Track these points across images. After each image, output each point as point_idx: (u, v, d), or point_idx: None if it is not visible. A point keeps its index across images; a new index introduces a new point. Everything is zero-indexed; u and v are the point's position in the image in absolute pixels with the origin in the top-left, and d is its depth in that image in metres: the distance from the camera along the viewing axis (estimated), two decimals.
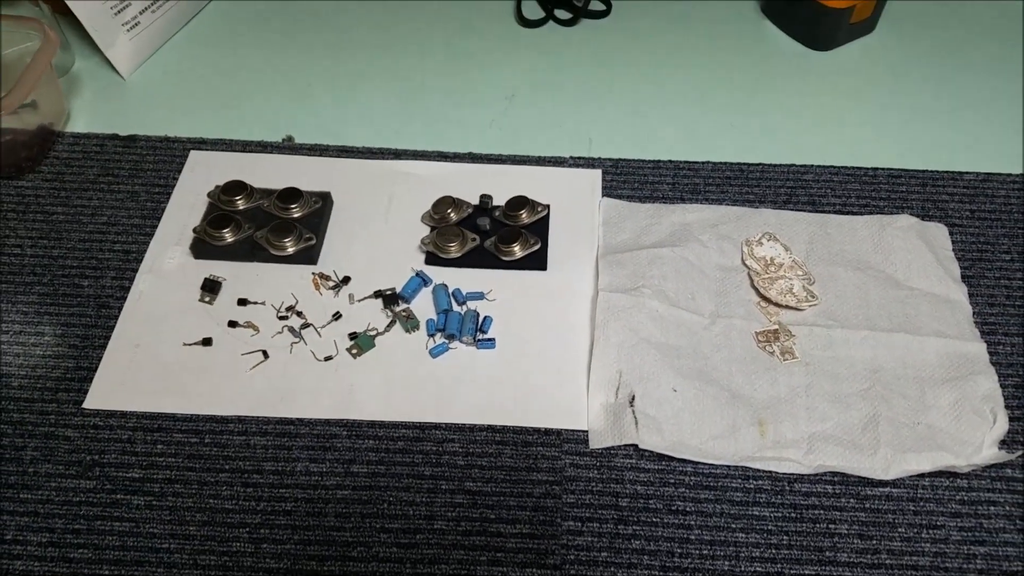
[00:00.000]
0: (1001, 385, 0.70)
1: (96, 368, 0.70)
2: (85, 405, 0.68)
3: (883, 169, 0.86)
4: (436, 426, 0.68)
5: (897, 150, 0.88)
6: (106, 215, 0.81)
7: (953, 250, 0.80)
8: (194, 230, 0.77)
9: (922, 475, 0.66)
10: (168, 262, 0.77)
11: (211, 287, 0.74)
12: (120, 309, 0.74)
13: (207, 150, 0.86)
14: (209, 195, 0.80)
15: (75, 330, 0.73)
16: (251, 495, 0.64)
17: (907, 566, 0.62)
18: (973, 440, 0.67)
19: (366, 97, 0.93)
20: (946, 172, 0.86)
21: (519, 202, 0.79)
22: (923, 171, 0.86)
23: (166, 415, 0.68)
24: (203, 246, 0.77)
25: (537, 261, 0.77)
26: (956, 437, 0.67)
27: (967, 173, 0.86)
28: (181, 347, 0.71)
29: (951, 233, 0.81)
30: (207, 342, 0.71)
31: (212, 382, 0.69)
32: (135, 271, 0.76)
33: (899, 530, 0.63)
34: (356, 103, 0.93)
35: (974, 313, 0.75)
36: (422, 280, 0.75)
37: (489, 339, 0.72)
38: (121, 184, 0.83)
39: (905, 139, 0.90)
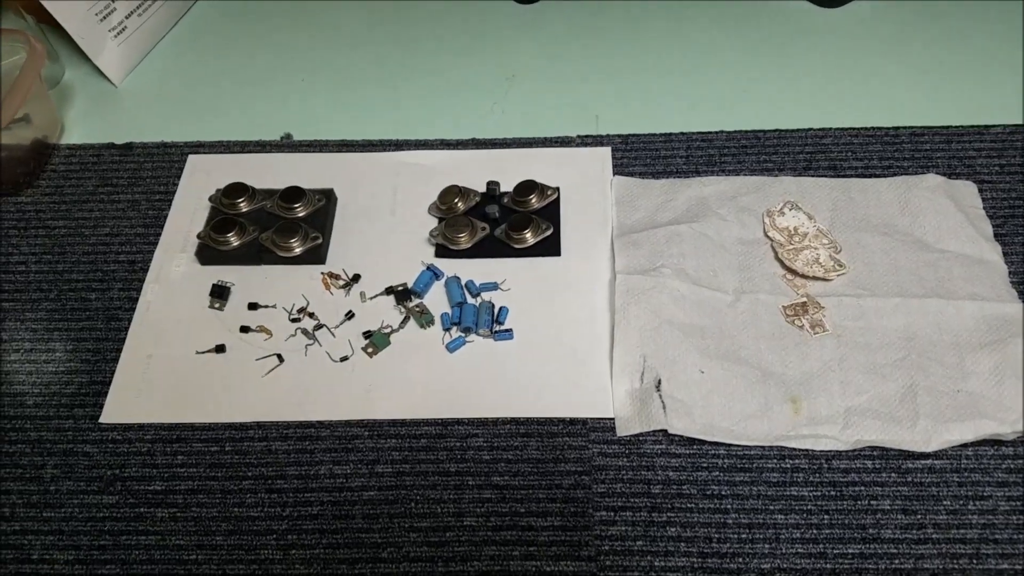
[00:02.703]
0: None
1: (110, 382, 0.69)
2: (102, 420, 0.67)
3: (905, 128, 0.83)
4: (458, 421, 0.66)
5: (919, 107, 0.85)
6: (108, 226, 0.79)
7: (984, 208, 0.77)
8: (198, 236, 0.76)
9: (965, 445, 0.63)
10: (174, 270, 0.75)
11: (220, 293, 0.72)
12: (129, 321, 0.72)
13: (205, 153, 0.85)
14: (211, 199, 0.79)
15: (86, 344, 0.71)
16: (276, 501, 0.63)
17: (955, 539, 0.60)
18: (1017, 406, 0.64)
19: (363, 88, 0.91)
20: (971, 127, 0.83)
21: (528, 187, 0.77)
22: (947, 127, 0.83)
23: (184, 425, 0.66)
24: (208, 252, 0.75)
25: (550, 247, 0.75)
26: (999, 403, 0.64)
27: (994, 127, 0.83)
28: (194, 356, 0.70)
29: (980, 190, 0.78)
30: (220, 349, 0.70)
31: (228, 389, 0.68)
32: (142, 281, 0.75)
33: (944, 503, 0.61)
34: (353, 95, 0.90)
35: (1010, 272, 0.72)
36: (433, 274, 0.73)
37: (506, 330, 0.70)
38: (121, 193, 0.82)
39: (926, 95, 0.87)
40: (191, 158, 0.84)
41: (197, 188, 0.81)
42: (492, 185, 0.78)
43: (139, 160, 0.84)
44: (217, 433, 0.66)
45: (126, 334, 0.71)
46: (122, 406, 0.67)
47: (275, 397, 0.67)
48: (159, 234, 0.78)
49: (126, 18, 0.92)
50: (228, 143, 0.85)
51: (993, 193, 0.78)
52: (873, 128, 0.83)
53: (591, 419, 0.66)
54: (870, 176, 0.80)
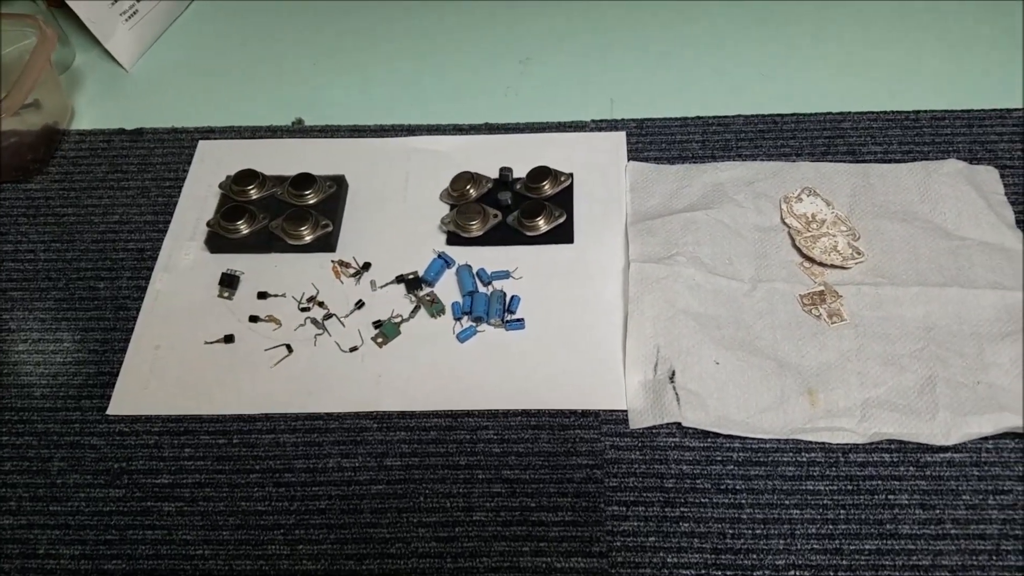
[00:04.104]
0: None
1: (118, 373, 0.68)
2: (109, 411, 0.66)
3: (925, 112, 0.81)
4: (469, 413, 0.65)
5: (939, 90, 0.83)
6: (118, 213, 0.79)
7: (1006, 194, 0.75)
8: (208, 224, 0.75)
9: (985, 438, 0.62)
10: (184, 258, 0.75)
11: (229, 282, 0.72)
12: (138, 310, 0.72)
13: (216, 139, 0.84)
14: (221, 186, 0.78)
15: (94, 334, 0.71)
16: (284, 495, 0.62)
17: (974, 535, 0.59)
18: None
19: (374, 72, 0.90)
20: (993, 110, 0.81)
21: (541, 173, 0.76)
22: (968, 111, 0.81)
23: (192, 417, 0.66)
24: (218, 240, 0.74)
25: (563, 234, 0.74)
26: (1019, 396, 0.63)
27: (1015, 110, 0.81)
28: (203, 346, 0.69)
29: (1002, 176, 0.76)
30: (229, 339, 0.69)
31: (236, 381, 0.67)
32: (151, 270, 0.74)
33: (963, 497, 0.60)
34: (364, 79, 0.89)
35: None
36: (445, 262, 0.72)
37: (518, 320, 0.69)
38: (131, 180, 0.81)
39: (946, 78, 0.85)
40: (201, 144, 0.83)
41: (207, 174, 0.80)
42: (505, 171, 0.77)
43: (149, 146, 0.84)
44: (225, 425, 0.66)
45: (134, 324, 0.71)
46: (130, 398, 0.67)
47: (284, 388, 0.67)
48: (169, 221, 0.77)
49: (137, 1, 0.90)
50: (239, 128, 0.84)
51: (1015, 179, 0.76)
52: (893, 112, 0.81)
53: (603, 411, 0.65)
54: (890, 161, 0.78)
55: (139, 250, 0.76)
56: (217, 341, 0.69)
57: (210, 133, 0.84)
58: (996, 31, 0.88)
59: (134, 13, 0.90)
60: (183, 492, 0.63)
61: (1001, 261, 0.70)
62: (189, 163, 0.82)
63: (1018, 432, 0.62)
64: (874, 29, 0.90)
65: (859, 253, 0.71)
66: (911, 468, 0.61)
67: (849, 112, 0.82)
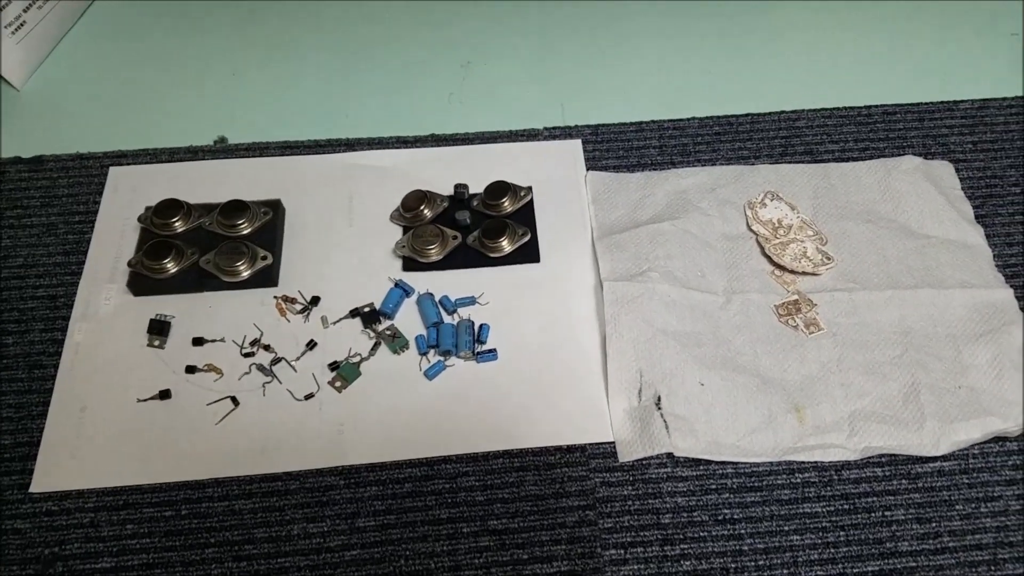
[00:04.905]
0: None
1: (39, 442, 0.61)
2: (32, 489, 0.60)
3: (877, 106, 0.81)
4: (446, 459, 0.61)
5: (888, 84, 0.84)
6: (22, 256, 0.71)
7: (962, 188, 0.75)
8: (129, 263, 0.68)
9: (971, 444, 0.62)
10: (104, 304, 0.68)
11: (159, 328, 0.65)
12: (56, 367, 0.65)
13: (129, 164, 0.76)
14: (140, 219, 0.70)
15: (7, 399, 0.63)
16: (245, 570, 0.57)
17: (971, 546, 0.58)
18: (1017, 399, 0.63)
19: (304, 80, 0.84)
20: (941, 103, 0.81)
21: (499, 188, 0.71)
22: (918, 104, 0.81)
23: (131, 488, 0.60)
24: (142, 281, 0.67)
25: (529, 253, 0.70)
26: (1000, 398, 0.63)
27: (963, 101, 0.82)
28: (135, 404, 0.63)
29: (957, 169, 0.76)
30: (164, 395, 0.63)
31: (178, 442, 0.61)
32: (67, 319, 0.67)
33: (957, 507, 0.60)
34: (294, 88, 0.83)
35: (994, 255, 0.71)
36: (403, 291, 0.67)
37: (489, 350, 0.64)
38: (34, 217, 0.73)
39: (895, 71, 0.85)
40: (112, 171, 0.76)
41: (122, 206, 0.73)
42: (460, 188, 0.72)
43: (52, 176, 0.76)
44: (170, 495, 0.59)
45: (53, 383, 0.64)
46: (56, 471, 0.60)
47: (233, 447, 0.61)
48: (83, 262, 0.70)
49: (24, 12, 0.81)
50: (155, 151, 0.77)
51: (969, 172, 0.77)
52: (845, 108, 0.81)
53: (590, 445, 0.61)
54: (847, 159, 0.77)
55: (51, 297, 0.68)
56: (151, 398, 0.63)
57: (121, 158, 0.76)
58: (940, 24, 0.89)
59: (21, 24, 0.81)
60: None
61: (965, 258, 0.70)
62: (100, 193, 0.74)
63: (1002, 436, 0.61)
64: (821, 26, 0.89)
65: (828, 258, 0.70)
66: (904, 481, 0.60)
67: (803, 110, 0.81)
